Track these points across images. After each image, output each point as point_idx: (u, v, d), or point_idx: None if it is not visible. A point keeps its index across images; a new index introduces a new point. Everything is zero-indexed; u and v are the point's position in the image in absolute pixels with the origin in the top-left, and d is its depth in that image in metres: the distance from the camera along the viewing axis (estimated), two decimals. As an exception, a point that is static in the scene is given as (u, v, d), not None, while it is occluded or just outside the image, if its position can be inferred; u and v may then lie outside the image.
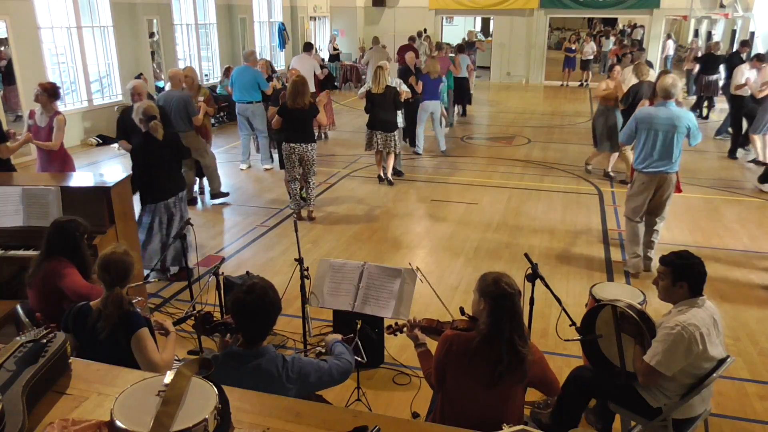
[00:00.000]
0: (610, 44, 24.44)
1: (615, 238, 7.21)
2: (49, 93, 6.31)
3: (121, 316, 3.13)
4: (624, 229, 6.40)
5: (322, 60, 19.48)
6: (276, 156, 10.07)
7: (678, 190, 6.13)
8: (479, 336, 2.78)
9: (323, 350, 3.19)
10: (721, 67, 13.83)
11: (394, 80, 9.57)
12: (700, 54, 16.02)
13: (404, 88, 9.60)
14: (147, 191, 5.80)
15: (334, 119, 13.19)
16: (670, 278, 3.31)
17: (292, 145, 7.46)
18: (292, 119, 7.35)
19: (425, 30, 20.70)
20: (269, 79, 10.39)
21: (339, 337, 3.25)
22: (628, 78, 10.83)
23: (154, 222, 5.80)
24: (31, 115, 6.44)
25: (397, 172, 9.81)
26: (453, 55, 13.68)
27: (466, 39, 20.10)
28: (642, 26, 26.55)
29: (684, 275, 3.28)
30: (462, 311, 3.25)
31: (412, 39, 16.93)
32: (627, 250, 6.31)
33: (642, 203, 5.98)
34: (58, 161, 6.42)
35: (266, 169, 10.18)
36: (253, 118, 9.92)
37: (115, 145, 11.94)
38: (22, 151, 10.34)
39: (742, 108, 11.12)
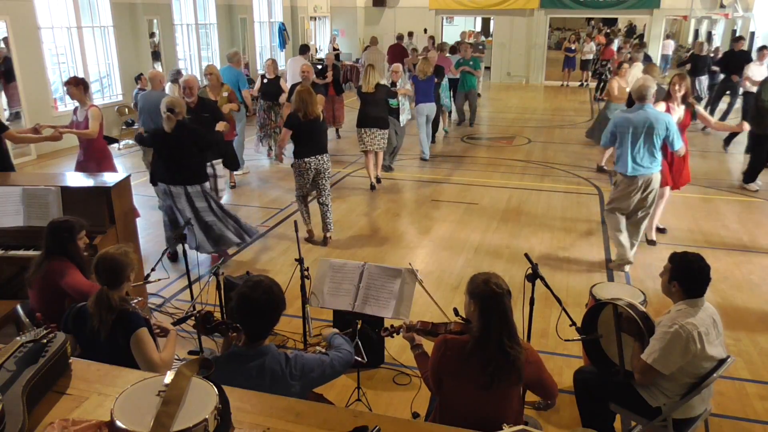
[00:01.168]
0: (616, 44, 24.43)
1: (615, 238, 7.20)
2: (75, 83, 6.46)
3: (118, 316, 3.13)
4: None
5: (320, 60, 19.49)
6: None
7: (667, 183, 6.19)
8: (472, 339, 2.77)
9: (323, 350, 3.19)
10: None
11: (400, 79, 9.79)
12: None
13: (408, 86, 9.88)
14: (154, 172, 6.16)
15: (344, 117, 13.03)
16: (668, 275, 3.35)
17: (306, 159, 6.64)
18: (303, 133, 6.62)
19: (425, 30, 20.71)
20: (276, 79, 10.34)
21: (336, 330, 3.26)
22: (633, 75, 10.83)
23: (167, 205, 6.03)
24: (75, 111, 6.64)
25: (385, 168, 9.88)
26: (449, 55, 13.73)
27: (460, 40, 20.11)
28: (633, 26, 26.57)
29: (677, 275, 3.30)
30: (456, 312, 3.25)
31: (400, 38, 16.98)
32: (613, 241, 6.36)
33: (628, 205, 6.06)
34: (95, 159, 6.53)
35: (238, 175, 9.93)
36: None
37: (116, 145, 11.96)
38: (23, 151, 10.41)
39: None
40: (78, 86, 6.43)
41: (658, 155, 5.85)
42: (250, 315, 2.65)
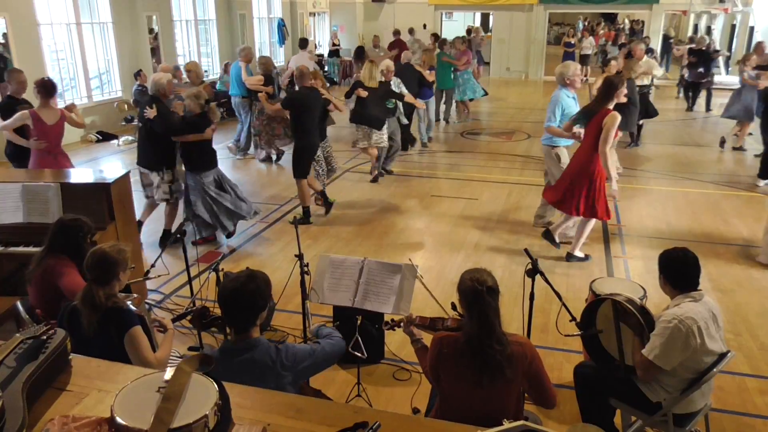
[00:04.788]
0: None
1: (615, 233, 7.21)
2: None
3: (111, 314, 3.10)
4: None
5: (320, 56, 19.49)
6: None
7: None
8: (464, 336, 2.76)
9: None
10: (721, 60, 14.16)
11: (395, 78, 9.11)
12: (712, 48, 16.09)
13: (404, 90, 9.16)
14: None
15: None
16: (659, 271, 3.38)
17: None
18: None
19: (425, 26, 20.69)
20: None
21: (321, 323, 3.27)
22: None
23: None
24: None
25: (386, 171, 9.73)
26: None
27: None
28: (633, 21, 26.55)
29: (662, 269, 3.36)
30: (454, 307, 3.24)
31: (397, 33, 17.00)
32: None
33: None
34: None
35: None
36: None
37: (115, 141, 11.97)
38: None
39: None
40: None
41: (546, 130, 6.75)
42: (225, 305, 2.68)
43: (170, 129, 6.33)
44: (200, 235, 6.64)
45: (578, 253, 6.39)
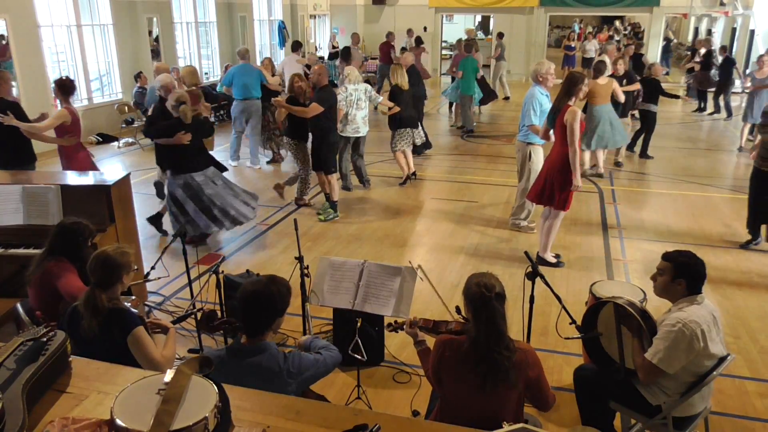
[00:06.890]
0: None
1: (615, 236, 7.20)
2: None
3: (113, 315, 3.09)
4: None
5: (320, 59, 19.45)
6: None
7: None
8: (468, 340, 2.76)
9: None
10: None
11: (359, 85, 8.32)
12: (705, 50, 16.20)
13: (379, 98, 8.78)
14: (178, 165, 6.39)
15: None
16: (670, 275, 3.31)
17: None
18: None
19: (425, 28, 20.71)
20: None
21: (311, 336, 3.28)
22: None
23: (185, 191, 6.37)
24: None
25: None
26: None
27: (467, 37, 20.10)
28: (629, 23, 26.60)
29: (684, 273, 3.28)
30: (458, 310, 3.24)
31: (390, 36, 17.00)
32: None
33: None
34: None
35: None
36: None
37: (116, 143, 11.97)
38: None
39: None
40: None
41: (523, 126, 6.99)
42: (245, 306, 2.71)
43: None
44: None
45: (549, 257, 6.34)
